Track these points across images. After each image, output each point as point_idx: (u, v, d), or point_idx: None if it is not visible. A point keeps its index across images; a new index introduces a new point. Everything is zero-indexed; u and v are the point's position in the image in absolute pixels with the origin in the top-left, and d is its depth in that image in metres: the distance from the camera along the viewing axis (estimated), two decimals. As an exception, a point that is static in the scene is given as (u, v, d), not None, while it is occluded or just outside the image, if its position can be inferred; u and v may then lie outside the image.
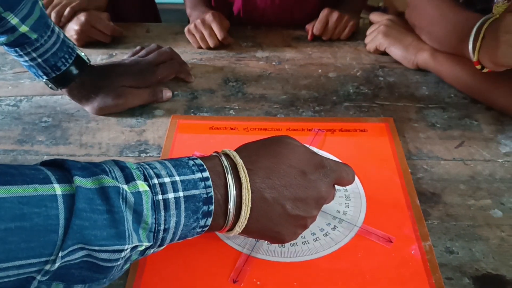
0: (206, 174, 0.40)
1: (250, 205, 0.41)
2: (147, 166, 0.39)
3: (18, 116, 0.71)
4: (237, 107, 0.72)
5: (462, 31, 0.68)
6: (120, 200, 0.35)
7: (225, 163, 0.42)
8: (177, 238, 0.40)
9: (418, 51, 0.78)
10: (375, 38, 0.83)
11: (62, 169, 0.35)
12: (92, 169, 0.35)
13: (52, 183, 0.32)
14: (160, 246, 0.39)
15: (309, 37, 0.89)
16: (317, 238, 0.51)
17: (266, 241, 0.50)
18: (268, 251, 0.50)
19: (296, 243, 0.51)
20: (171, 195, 0.38)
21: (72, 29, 0.85)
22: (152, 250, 0.39)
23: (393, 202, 0.55)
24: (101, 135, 0.67)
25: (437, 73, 0.77)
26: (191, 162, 0.41)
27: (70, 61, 0.67)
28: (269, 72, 0.81)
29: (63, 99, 0.74)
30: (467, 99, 0.73)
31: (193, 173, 0.40)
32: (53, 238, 0.31)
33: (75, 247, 0.32)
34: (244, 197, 0.41)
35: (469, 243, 0.52)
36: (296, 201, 0.43)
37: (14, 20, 0.59)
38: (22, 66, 0.69)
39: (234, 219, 0.42)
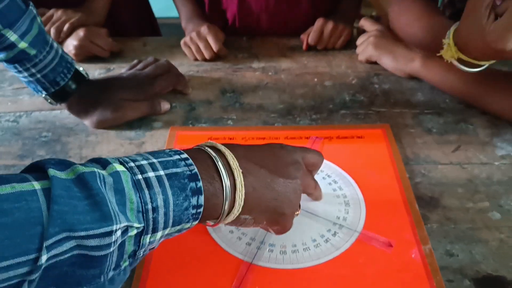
0: (185, 155, 0.39)
1: (240, 170, 0.41)
2: (122, 157, 0.38)
3: (18, 132, 0.71)
4: (235, 117, 0.73)
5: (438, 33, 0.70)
6: (99, 182, 0.34)
7: (203, 145, 0.43)
8: (170, 220, 0.37)
9: (409, 61, 0.78)
10: (365, 49, 0.84)
11: (38, 168, 0.34)
12: (67, 162, 0.35)
13: (30, 181, 0.32)
14: (154, 230, 0.36)
15: (304, 47, 0.90)
16: (318, 245, 0.52)
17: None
18: (269, 259, 0.50)
19: (298, 250, 0.51)
20: (151, 174, 0.36)
21: (71, 45, 0.86)
22: (148, 238, 0.36)
23: (392, 207, 0.56)
24: (100, 148, 0.67)
25: (429, 81, 0.77)
26: (167, 150, 0.40)
27: (69, 76, 0.67)
28: (265, 82, 0.81)
29: (62, 113, 0.75)
30: (462, 103, 0.74)
31: (170, 156, 0.39)
32: (38, 230, 0.30)
33: (60, 236, 0.31)
34: (231, 163, 0.41)
35: (468, 245, 0.52)
36: (276, 164, 0.44)
37: (13, 37, 0.60)
38: (21, 82, 0.69)
39: (232, 189, 0.40)
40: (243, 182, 0.41)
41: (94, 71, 0.85)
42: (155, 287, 0.48)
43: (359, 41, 0.86)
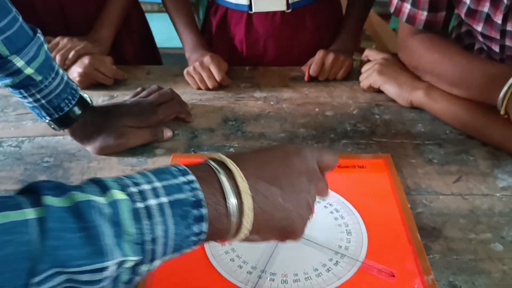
0: (191, 177, 0.37)
1: (249, 192, 0.39)
2: (123, 177, 0.36)
3: (20, 157, 0.72)
4: (237, 145, 0.73)
5: (490, 79, 0.68)
6: (95, 214, 0.32)
7: (211, 162, 0.40)
8: (171, 249, 0.36)
9: (412, 90, 0.79)
10: (370, 75, 0.85)
11: (34, 192, 0.33)
12: (65, 187, 0.33)
13: (23, 208, 0.30)
14: (152, 260, 0.35)
15: (306, 78, 0.92)
16: (320, 274, 0.51)
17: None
18: (270, 288, 0.50)
19: (299, 279, 0.51)
20: (153, 202, 0.35)
21: (75, 72, 0.87)
22: (145, 268, 0.35)
23: (394, 236, 0.56)
24: (102, 175, 0.68)
25: (432, 111, 0.78)
26: (173, 168, 0.38)
27: (73, 102, 0.68)
28: (267, 111, 0.82)
29: (64, 139, 0.75)
30: (462, 135, 0.74)
31: (176, 178, 0.37)
32: (26, 266, 0.29)
33: (51, 271, 0.30)
34: (240, 185, 0.38)
35: (471, 277, 0.51)
36: (289, 178, 0.42)
37: (19, 63, 0.60)
38: (24, 108, 0.70)
39: (239, 215, 0.38)
40: (251, 206, 0.39)
41: (98, 98, 0.86)
42: (154, 315, 0.47)
43: (364, 68, 0.87)
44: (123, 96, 0.86)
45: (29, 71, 0.62)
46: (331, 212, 0.59)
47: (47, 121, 0.68)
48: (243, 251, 0.54)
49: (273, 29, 1.00)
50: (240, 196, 0.38)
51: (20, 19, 0.61)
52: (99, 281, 0.32)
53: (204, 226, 0.37)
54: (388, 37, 1.56)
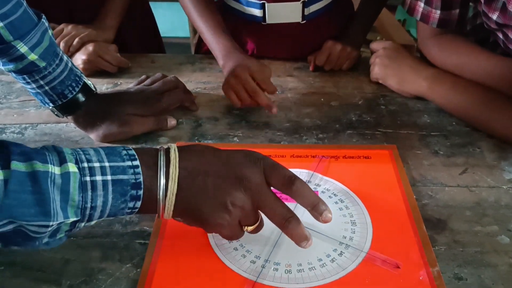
0: (136, 162, 0.44)
1: (176, 181, 0.45)
2: (81, 152, 0.43)
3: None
4: (241, 135, 0.73)
5: None
6: (49, 183, 0.40)
7: (160, 149, 0.47)
8: (105, 215, 0.44)
9: (415, 84, 0.79)
10: (372, 70, 0.85)
11: (5, 152, 0.39)
12: (30, 155, 0.40)
13: None
14: (89, 221, 0.44)
15: (311, 67, 0.91)
16: (324, 264, 0.51)
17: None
18: (274, 278, 0.49)
19: (303, 269, 0.50)
20: (98, 178, 0.42)
21: (79, 59, 0.86)
22: (82, 224, 0.43)
23: (399, 228, 0.55)
24: (105, 162, 0.67)
25: (436, 103, 0.78)
26: (123, 152, 0.45)
27: (77, 89, 0.67)
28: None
29: (68, 126, 0.74)
30: (469, 126, 0.74)
31: (123, 161, 0.44)
32: None
33: (5, 221, 0.38)
34: (171, 173, 0.45)
35: (477, 269, 0.51)
36: (217, 178, 0.46)
37: (23, 49, 0.60)
38: (28, 94, 0.70)
39: (164, 198, 0.45)
40: (175, 192, 0.45)
41: (102, 86, 0.86)
42: (157, 303, 0.47)
43: (371, 60, 0.87)
44: (127, 84, 0.85)
45: (32, 57, 0.61)
46: (336, 203, 0.59)
47: (50, 107, 0.68)
48: (246, 241, 0.53)
49: (287, 40, 0.94)
50: (167, 183, 0.45)
51: (25, 3, 0.61)
52: (43, 232, 0.41)
53: (138, 204, 0.45)
54: (394, 28, 1.54)
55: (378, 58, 0.84)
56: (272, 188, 0.48)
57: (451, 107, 0.75)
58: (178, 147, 0.48)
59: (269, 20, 0.90)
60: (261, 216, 0.50)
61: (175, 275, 0.50)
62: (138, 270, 0.51)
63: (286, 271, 0.50)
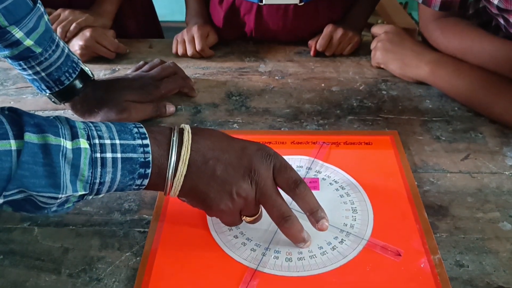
0: (146, 141, 0.45)
1: (186, 162, 0.46)
2: (93, 128, 0.44)
3: (20, 131, 0.70)
4: (240, 121, 0.72)
5: None
6: (60, 156, 0.40)
7: (175, 129, 0.47)
8: (113, 190, 0.45)
9: (417, 68, 0.78)
10: (374, 55, 0.84)
11: (18, 122, 0.40)
12: (43, 127, 0.40)
13: (9, 139, 0.39)
14: (96, 194, 0.45)
15: (312, 52, 0.90)
16: (325, 252, 0.50)
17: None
18: (275, 266, 0.49)
19: (304, 257, 0.50)
20: (109, 155, 0.43)
21: (76, 44, 0.85)
22: (90, 197, 0.45)
23: (401, 215, 0.55)
24: (104, 149, 0.66)
25: (437, 88, 0.77)
26: (134, 130, 0.45)
27: (74, 76, 0.67)
28: (272, 86, 0.81)
29: (65, 114, 0.74)
30: (471, 112, 0.73)
31: (134, 139, 0.44)
32: (2, 185, 0.39)
33: (16, 190, 0.39)
34: (182, 154, 0.45)
35: (479, 256, 0.51)
36: (227, 165, 0.47)
37: (18, 34, 0.59)
38: (24, 81, 0.69)
39: (172, 178, 0.46)
40: (183, 173, 0.46)
41: (99, 72, 0.85)
42: (157, 292, 0.47)
43: (372, 45, 0.85)
44: (125, 70, 0.84)
45: (28, 42, 0.60)
46: (337, 190, 0.58)
47: (47, 94, 0.67)
48: (247, 228, 0.53)
49: (285, 22, 0.93)
50: (177, 164, 0.45)
51: (19, -12, 0.59)
52: (52, 204, 0.42)
53: (145, 181, 0.46)
54: (395, 11, 1.53)
55: (379, 43, 0.83)
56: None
57: (454, 92, 0.74)
58: (192, 128, 0.48)
59: (266, 0, 0.90)
60: (261, 209, 0.51)
61: (175, 264, 0.50)
62: (138, 258, 0.50)
63: (287, 259, 0.50)
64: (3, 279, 0.49)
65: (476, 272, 0.49)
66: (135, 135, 0.45)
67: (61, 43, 0.66)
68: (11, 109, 0.42)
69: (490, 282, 0.48)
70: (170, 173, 0.45)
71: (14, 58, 0.62)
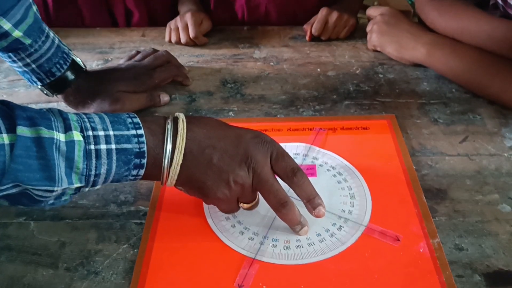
0: (141, 131, 0.44)
1: (182, 151, 0.45)
2: (86, 119, 0.43)
3: (13, 124, 0.69)
4: (236, 109, 0.71)
5: None
6: (54, 149, 0.40)
7: (169, 118, 0.46)
8: (109, 181, 0.45)
9: (413, 50, 0.76)
10: (370, 38, 0.83)
11: (11, 116, 0.39)
12: (35, 120, 0.40)
13: (1, 133, 0.38)
14: (93, 186, 0.44)
15: (307, 37, 0.88)
16: (323, 239, 0.50)
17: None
18: (273, 254, 0.49)
19: (302, 245, 0.49)
20: (103, 146, 0.42)
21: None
22: (86, 189, 0.44)
23: (399, 199, 0.54)
24: (98, 141, 0.66)
25: (435, 70, 0.76)
26: (128, 120, 0.45)
27: (65, 67, 0.65)
28: (267, 73, 0.80)
29: (58, 106, 0.72)
30: (468, 93, 0.72)
31: (128, 130, 0.44)
32: None
33: (11, 185, 0.39)
34: (178, 143, 0.45)
35: (478, 239, 0.50)
36: (224, 153, 0.46)
37: (6, 25, 0.58)
38: (16, 74, 0.68)
39: (168, 167, 0.45)
40: (180, 162, 0.45)
41: (92, 63, 0.84)
42: (155, 282, 0.47)
43: (368, 28, 0.84)
44: (117, 60, 0.83)
45: (17, 34, 0.59)
46: (334, 176, 0.58)
47: (39, 86, 0.66)
48: (244, 217, 0.52)
49: (278, 5, 0.93)
50: (173, 153, 0.45)
51: (4, -22, 0.58)
52: (48, 197, 0.42)
53: (141, 172, 0.45)
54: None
55: (375, 25, 0.82)
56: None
57: (451, 73, 0.73)
58: (186, 117, 0.47)
59: None
60: (258, 196, 0.50)
61: (173, 255, 0.49)
62: (135, 250, 0.50)
63: (285, 247, 0.49)
64: (0, 275, 0.48)
65: (476, 255, 0.49)
66: (129, 125, 0.44)
67: (51, 34, 0.64)
68: (3, 102, 0.41)
69: (490, 264, 0.48)
70: (166, 162, 0.45)
71: (4, 50, 0.61)
